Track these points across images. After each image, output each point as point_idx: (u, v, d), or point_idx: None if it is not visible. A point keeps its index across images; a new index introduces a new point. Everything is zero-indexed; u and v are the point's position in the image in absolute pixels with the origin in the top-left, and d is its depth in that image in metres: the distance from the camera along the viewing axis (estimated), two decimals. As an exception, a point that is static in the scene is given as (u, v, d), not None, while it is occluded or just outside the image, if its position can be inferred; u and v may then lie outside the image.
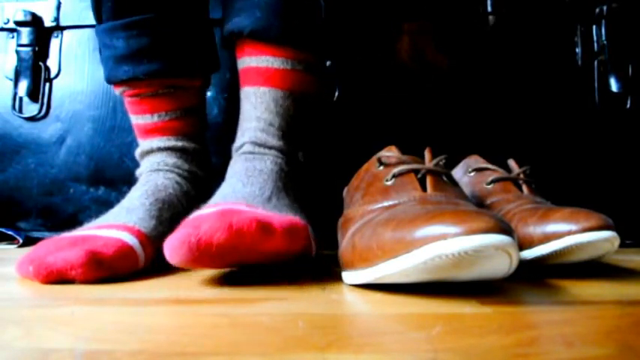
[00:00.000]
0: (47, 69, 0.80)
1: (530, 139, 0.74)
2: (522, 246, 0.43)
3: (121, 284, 0.41)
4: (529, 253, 0.43)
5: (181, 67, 0.58)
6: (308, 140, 0.59)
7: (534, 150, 0.74)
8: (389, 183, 0.42)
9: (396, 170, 0.42)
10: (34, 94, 0.79)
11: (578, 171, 0.73)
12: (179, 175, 0.57)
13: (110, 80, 0.58)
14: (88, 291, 0.38)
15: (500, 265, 0.32)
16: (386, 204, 0.41)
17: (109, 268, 0.42)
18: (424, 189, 0.40)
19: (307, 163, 0.58)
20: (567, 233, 0.40)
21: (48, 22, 0.80)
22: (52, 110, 0.79)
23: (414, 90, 0.75)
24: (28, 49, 0.79)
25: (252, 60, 0.55)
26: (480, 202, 0.51)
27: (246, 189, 0.48)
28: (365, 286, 0.40)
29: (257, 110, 0.54)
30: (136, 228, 0.47)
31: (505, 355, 0.23)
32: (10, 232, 0.74)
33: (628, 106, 0.74)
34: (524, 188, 0.51)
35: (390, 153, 0.45)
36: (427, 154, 0.44)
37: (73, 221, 0.76)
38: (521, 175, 0.52)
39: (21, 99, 0.79)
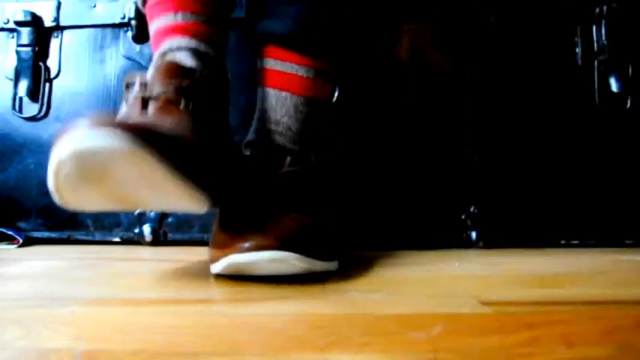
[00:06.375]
0: (47, 69, 0.80)
1: (530, 138, 0.74)
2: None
3: (121, 284, 0.41)
4: (212, 268, 0.42)
5: None
6: (321, 144, 0.61)
7: (534, 150, 0.73)
8: None
9: None
10: (34, 94, 0.79)
11: (578, 171, 0.73)
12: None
13: None
14: (88, 291, 0.38)
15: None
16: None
17: None
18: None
19: (318, 164, 0.59)
20: (231, 251, 0.39)
21: (48, 22, 0.80)
22: (52, 110, 0.79)
23: (413, 90, 0.75)
24: (28, 49, 0.79)
25: (277, 64, 0.56)
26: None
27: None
28: (365, 286, 0.40)
29: (277, 113, 0.56)
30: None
31: (505, 355, 0.23)
32: (10, 232, 0.74)
33: (628, 106, 0.74)
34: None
35: None
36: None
37: (73, 221, 0.76)
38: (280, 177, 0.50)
39: (21, 99, 0.79)
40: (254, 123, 0.58)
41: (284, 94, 0.56)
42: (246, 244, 0.38)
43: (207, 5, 0.55)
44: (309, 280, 0.42)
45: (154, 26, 0.55)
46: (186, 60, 0.50)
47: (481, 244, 0.71)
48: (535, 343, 0.25)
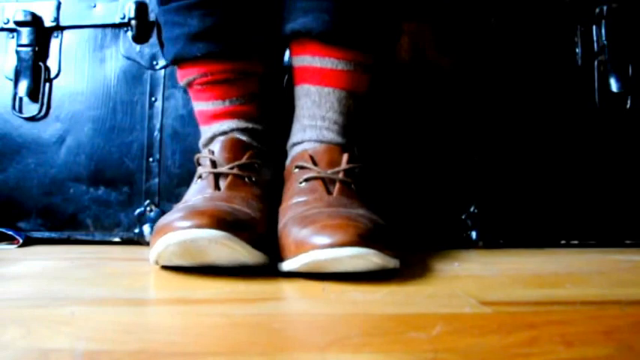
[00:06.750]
0: (47, 69, 0.80)
1: (530, 138, 0.74)
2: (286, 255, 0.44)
3: (121, 284, 0.41)
4: (286, 265, 0.44)
5: (254, 47, 0.59)
6: (362, 136, 0.62)
7: (534, 150, 0.74)
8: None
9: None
10: (34, 94, 0.79)
11: (577, 171, 0.73)
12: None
13: (182, 58, 0.58)
14: (88, 291, 0.38)
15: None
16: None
17: None
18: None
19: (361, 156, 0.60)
20: (311, 247, 0.40)
21: (48, 22, 0.80)
22: (52, 110, 0.79)
23: (413, 90, 0.75)
24: (28, 49, 0.79)
25: (314, 60, 0.57)
26: (292, 201, 0.51)
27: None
28: (365, 286, 0.40)
29: (321, 109, 0.57)
30: None
31: (505, 355, 0.23)
32: (10, 232, 0.74)
33: (628, 106, 0.74)
34: (336, 188, 0.49)
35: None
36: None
37: (73, 221, 0.76)
38: (340, 174, 0.51)
39: (21, 99, 0.79)
40: (295, 123, 0.59)
41: (326, 89, 0.57)
42: (327, 241, 0.39)
43: (249, 86, 0.60)
44: (309, 280, 0.42)
45: (201, 106, 0.61)
46: (241, 137, 0.58)
47: (481, 244, 0.71)
48: (535, 343, 0.25)
